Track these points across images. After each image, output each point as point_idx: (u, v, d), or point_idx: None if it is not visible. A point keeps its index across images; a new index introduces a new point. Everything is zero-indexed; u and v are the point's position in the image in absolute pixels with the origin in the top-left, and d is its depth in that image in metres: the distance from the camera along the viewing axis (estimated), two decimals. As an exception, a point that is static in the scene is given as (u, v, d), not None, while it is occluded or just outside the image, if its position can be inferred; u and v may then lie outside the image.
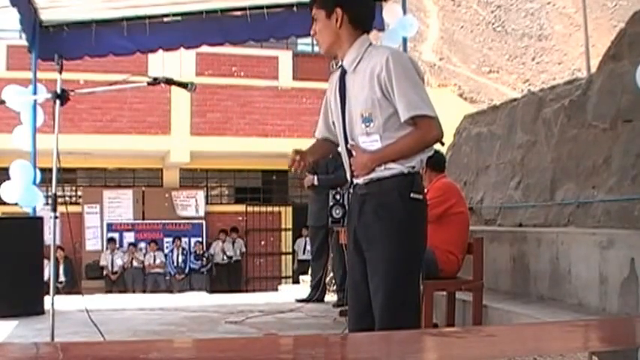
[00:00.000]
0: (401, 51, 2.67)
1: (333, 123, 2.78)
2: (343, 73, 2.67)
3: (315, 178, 6.40)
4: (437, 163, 4.58)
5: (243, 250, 14.91)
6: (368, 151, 2.59)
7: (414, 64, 2.60)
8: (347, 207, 5.80)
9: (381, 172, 2.58)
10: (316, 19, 2.66)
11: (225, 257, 14.45)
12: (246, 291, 13.17)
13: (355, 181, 2.67)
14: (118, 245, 14.04)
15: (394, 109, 2.55)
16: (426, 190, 4.50)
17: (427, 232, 2.72)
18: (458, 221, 4.44)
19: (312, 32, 2.70)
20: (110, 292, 12.80)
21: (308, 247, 13.80)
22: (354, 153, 2.64)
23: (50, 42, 6.55)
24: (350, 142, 2.66)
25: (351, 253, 2.75)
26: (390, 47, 2.60)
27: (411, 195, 2.57)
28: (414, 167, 2.58)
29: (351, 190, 2.73)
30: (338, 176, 6.34)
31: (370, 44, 2.65)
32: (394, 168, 2.56)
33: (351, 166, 2.67)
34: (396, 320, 2.53)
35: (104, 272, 13.70)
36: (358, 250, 2.67)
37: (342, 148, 2.74)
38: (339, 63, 2.74)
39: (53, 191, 3.62)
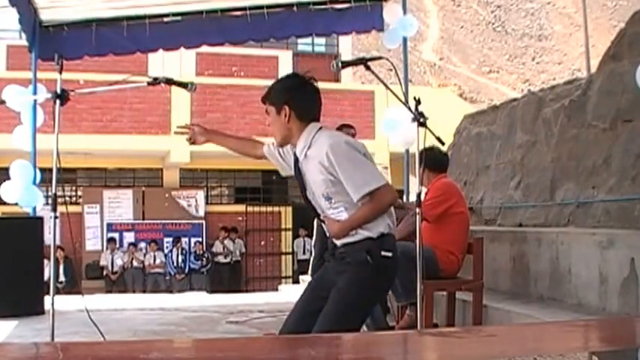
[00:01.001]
0: (337, 138, 2.86)
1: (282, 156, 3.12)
2: (296, 160, 2.95)
3: None
4: (436, 164, 4.58)
5: (243, 250, 14.91)
6: (337, 222, 2.89)
7: (351, 145, 2.84)
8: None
9: (353, 237, 2.87)
10: (269, 114, 2.94)
11: (225, 253, 14.42)
12: (246, 291, 13.17)
13: (335, 241, 2.96)
14: (118, 245, 14.04)
15: (346, 190, 2.83)
16: (425, 190, 4.54)
17: (390, 286, 3.10)
18: (458, 221, 4.44)
19: (267, 123, 2.97)
20: (110, 292, 12.80)
21: (308, 247, 13.84)
22: (326, 222, 2.94)
23: (50, 42, 6.55)
24: (321, 214, 2.95)
25: (315, 282, 3.08)
26: (330, 137, 2.84)
27: (382, 253, 2.84)
28: (382, 233, 2.86)
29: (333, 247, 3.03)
30: None
31: (319, 129, 2.90)
32: (362, 234, 2.85)
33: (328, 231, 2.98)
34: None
35: (104, 272, 13.69)
36: (321, 284, 2.97)
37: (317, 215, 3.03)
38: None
39: (53, 191, 3.62)
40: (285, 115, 2.88)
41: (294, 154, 2.95)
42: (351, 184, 2.78)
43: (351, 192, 2.79)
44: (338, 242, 2.95)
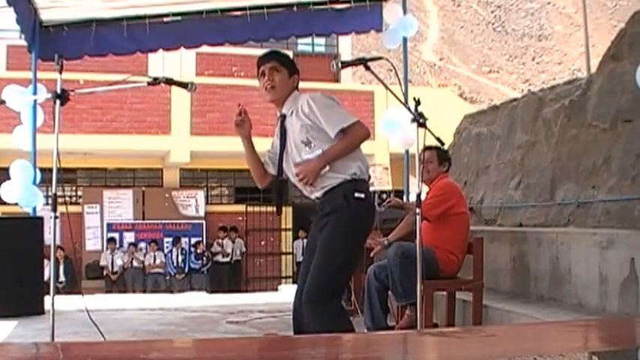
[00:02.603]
0: (316, 93, 3.39)
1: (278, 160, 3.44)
2: (283, 118, 3.38)
3: None
4: (444, 158, 4.59)
5: (243, 250, 14.90)
6: (313, 159, 3.22)
7: (326, 95, 3.34)
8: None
9: (329, 181, 3.21)
10: (277, 71, 3.35)
11: (223, 253, 14.41)
12: (246, 291, 13.17)
13: (314, 194, 3.28)
14: (118, 245, 14.04)
15: (324, 131, 3.22)
16: (428, 189, 4.54)
17: (370, 226, 3.32)
18: (458, 221, 4.44)
19: (269, 80, 3.34)
20: (110, 292, 12.80)
21: (307, 248, 13.82)
22: (297, 170, 3.25)
23: (50, 42, 6.55)
24: (296, 162, 3.29)
25: (308, 246, 3.44)
26: (310, 94, 3.35)
27: (355, 195, 3.18)
28: (355, 174, 3.21)
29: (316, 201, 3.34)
30: None
31: (299, 96, 3.40)
32: (338, 177, 3.20)
33: (302, 180, 3.25)
34: (319, 295, 3.17)
35: (104, 272, 13.69)
36: (313, 245, 3.29)
37: (290, 178, 3.37)
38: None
39: (53, 191, 3.62)
40: (293, 82, 3.41)
41: (281, 115, 3.39)
42: (328, 122, 3.19)
43: (328, 129, 3.19)
44: (318, 193, 3.26)
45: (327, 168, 3.22)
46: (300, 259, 14.38)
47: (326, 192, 3.24)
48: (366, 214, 3.27)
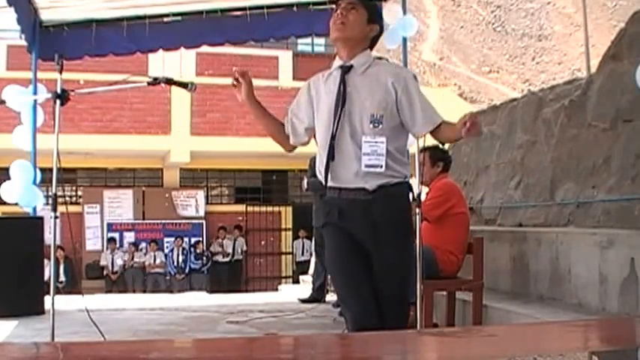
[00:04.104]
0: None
1: (306, 128, 2.88)
2: (345, 71, 2.75)
3: (305, 182, 6.42)
4: (437, 157, 4.58)
5: (245, 247, 14.86)
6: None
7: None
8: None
9: (388, 179, 2.68)
10: (355, 10, 2.76)
11: (223, 253, 14.41)
12: (247, 291, 13.17)
13: (359, 186, 2.68)
14: (118, 245, 14.04)
15: (399, 121, 2.72)
16: (427, 190, 4.53)
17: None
18: (458, 222, 4.44)
19: (340, 14, 2.75)
20: (110, 292, 12.79)
21: (307, 248, 13.84)
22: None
23: (50, 42, 6.55)
24: (358, 134, 2.70)
25: (346, 253, 2.73)
26: (405, 68, 2.90)
27: (410, 199, 2.79)
28: (407, 176, 2.76)
29: (336, 194, 2.74)
30: None
31: (376, 59, 2.85)
32: (400, 175, 2.71)
33: (328, 164, 2.70)
34: (403, 314, 2.77)
35: (104, 272, 13.69)
36: (358, 252, 2.70)
37: (323, 142, 2.76)
38: (338, 62, 2.81)
39: (53, 191, 3.62)
40: (371, 31, 2.81)
41: (344, 66, 2.76)
42: (426, 113, 2.71)
43: (420, 120, 2.70)
44: (367, 186, 2.68)
45: (384, 151, 2.68)
46: (300, 258, 14.38)
47: (379, 187, 2.69)
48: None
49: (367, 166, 2.67)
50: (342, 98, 2.71)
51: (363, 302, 2.65)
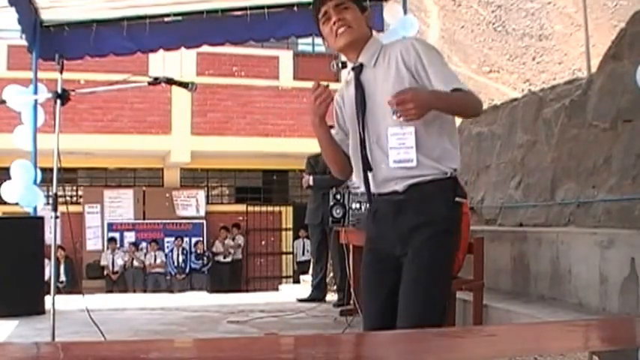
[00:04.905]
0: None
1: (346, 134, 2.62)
2: (358, 72, 2.52)
3: (311, 178, 6.42)
4: None
5: (242, 243, 14.81)
6: (423, 91, 2.35)
7: (440, 53, 2.53)
8: (347, 207, 5.82)
9: (420, 173, 2.38)
10: (346, 8, 2.49)
11: (224, 253, 14.40)
12: (247, 291, 13.17)
13: (392, 188, 2.44)
14: (118, 245, 14.04)
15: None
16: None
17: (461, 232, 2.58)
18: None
19: (338, 20, 2.47)
20: (111, 291, 12.80)
21: (307, 248, 13.83)
22: (403, 95, 2.29)
23: (51, 42, 6.55)
24: (383, 133, 2.44)
25: (373, 257, 2.56)
26: (408, 38, 2.49)
27: (456, 199, 2.42)
28: (455, 169, 2.43)
29: (373, 197, 2.53)
30: (334, 176, 6.35)
31: (382, 43, 2.59)
32: (435, 171, 2.38)
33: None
34: (425, 320, 2.38)
35: (105, 272, 13.70)
36: (387, 256, 2.50)
37: (354, 152, 2.55)
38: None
39: (54, 191, 3.63)
40: (367, 20, 2.55)
41: (356, 67, 2.52)
42: (441, 76, 2.36)
43: (439, 84, 2.35)
44: (398, 187, 2.41)
45: (413, 145, 2.36)
46: (300, 258, 14.37)
47: (411, 186, 2.40)
48: (462, 222, 2.53)
49: (396, 161, 2.40)
50: (361, 101, 2.49)
51: (378, 306, 2.51)
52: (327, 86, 2.49)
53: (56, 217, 3.63)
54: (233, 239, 14.62)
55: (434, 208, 2.38)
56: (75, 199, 14.54)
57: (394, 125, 2.38)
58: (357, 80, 2.51)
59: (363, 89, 2.49)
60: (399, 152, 2.39)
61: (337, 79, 15.36)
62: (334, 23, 2.49)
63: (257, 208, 15.27)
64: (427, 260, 2.38)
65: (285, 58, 15.45)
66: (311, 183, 6.41)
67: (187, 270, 14.06)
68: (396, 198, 2.43)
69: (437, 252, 2.39)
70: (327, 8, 2.50)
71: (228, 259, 14.50)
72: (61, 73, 3.63)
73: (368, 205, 2.59)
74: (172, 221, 14.50)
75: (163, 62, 12.83)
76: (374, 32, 2.71)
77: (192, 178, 15.44)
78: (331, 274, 6.88)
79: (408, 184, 2.39)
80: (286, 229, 15.50)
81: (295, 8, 6.95)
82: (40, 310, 5.65)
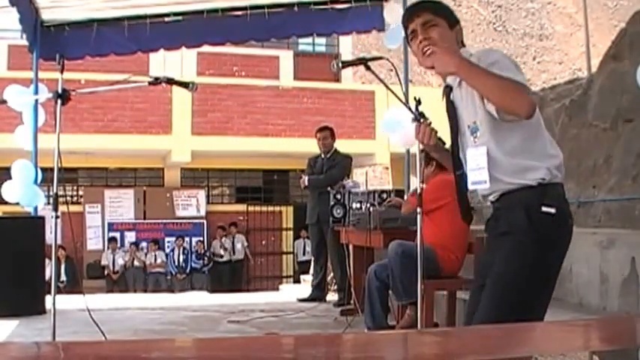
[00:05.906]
0: (482, 49, 2.53)
1: None
2: (448, 93, 2.45)
3: (306, 178, 6.45)
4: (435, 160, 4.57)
5: (246, 243, 14.80)
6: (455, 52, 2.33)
7: (493, 50, 2.44)
8: (347, 207, 5.82)
9: (502, 187, 2.36)
10: (434, 26, 2.41)
11: (224, 254, 14.39)
12: (247, 290, 13.18)
13: (491, 197, 2.46)
14: (119, 245, 14.04)
15: (496, 115, 2.28)
16: (423, 186, 4.53)
17: (564, 250, 2.43)
18: (451, 209, 4.42)
19: (425, 39, 2.40)
20: (111, 291, 12.80)
21: (307, 249, 13.82)
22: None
23: (51, 42, 6.56)
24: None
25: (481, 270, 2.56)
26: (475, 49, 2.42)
27: (542, 209, 2.30)
28: (543, 179, 2.34)
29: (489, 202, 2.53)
30: (328, 177, 6.36)
31: (470, 54, 2.41)
32: (518, 181, 2.32)
33: (465, 185, 2.42)
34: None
35: (105, 272, 13.70)
36: (483, 275, 2.48)
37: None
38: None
39: (54, 191, 3.63)
40: (457, 34, 2.45)
41: (446, 87, 2.46)
42: (499, 66, 2.25)
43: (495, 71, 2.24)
44: (491, 197, 2.42)
45: (485, 152, 2.31)
46: (301, 258, 14.38)
47: (501, 195, 2.39)
48: (559, 236, 2.36)
49: (473, 183, 2.41)
50: (454, 125, 2.43)
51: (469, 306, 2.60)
52: (430, 123, 2.50)
53: (57, 217, 3.63)
54: (233, 239, 14.61)
55: (514, 219, 2.33)
56: (75, 198, 14.54)
57: (471, 146, 2.38)
58: (448, 101, 2.45)
59: (456, 110, 2.44)
60: (475, 174, 2.39)
61: (337, 79, 15.39)
62: (420, 42, 2.42)
63: (257, 208, 15.27)
64: (498, 270, 2.35)
65: (286, 58, 15.46)
66: (306, 183, 6.43)
67: (188, 270, 14.06)
68: (493, 207, 2.48)
69: (510, 263, 2.33)
70: (414, 27, 2.45)
71: (229, 259, 14.46)
72: (62, 72, 3.63)
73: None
74: (173, 221, 14.50)
75: (164, 62, 12.84)
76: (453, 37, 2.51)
77: (192, 177, 15.44)
78: (331, 274, 6.89)
79: (499, 194, 2.40)
80: (287, 229, 15.50)
81: (295, 8, 6.95)
82: (40, 310, 5.65)
